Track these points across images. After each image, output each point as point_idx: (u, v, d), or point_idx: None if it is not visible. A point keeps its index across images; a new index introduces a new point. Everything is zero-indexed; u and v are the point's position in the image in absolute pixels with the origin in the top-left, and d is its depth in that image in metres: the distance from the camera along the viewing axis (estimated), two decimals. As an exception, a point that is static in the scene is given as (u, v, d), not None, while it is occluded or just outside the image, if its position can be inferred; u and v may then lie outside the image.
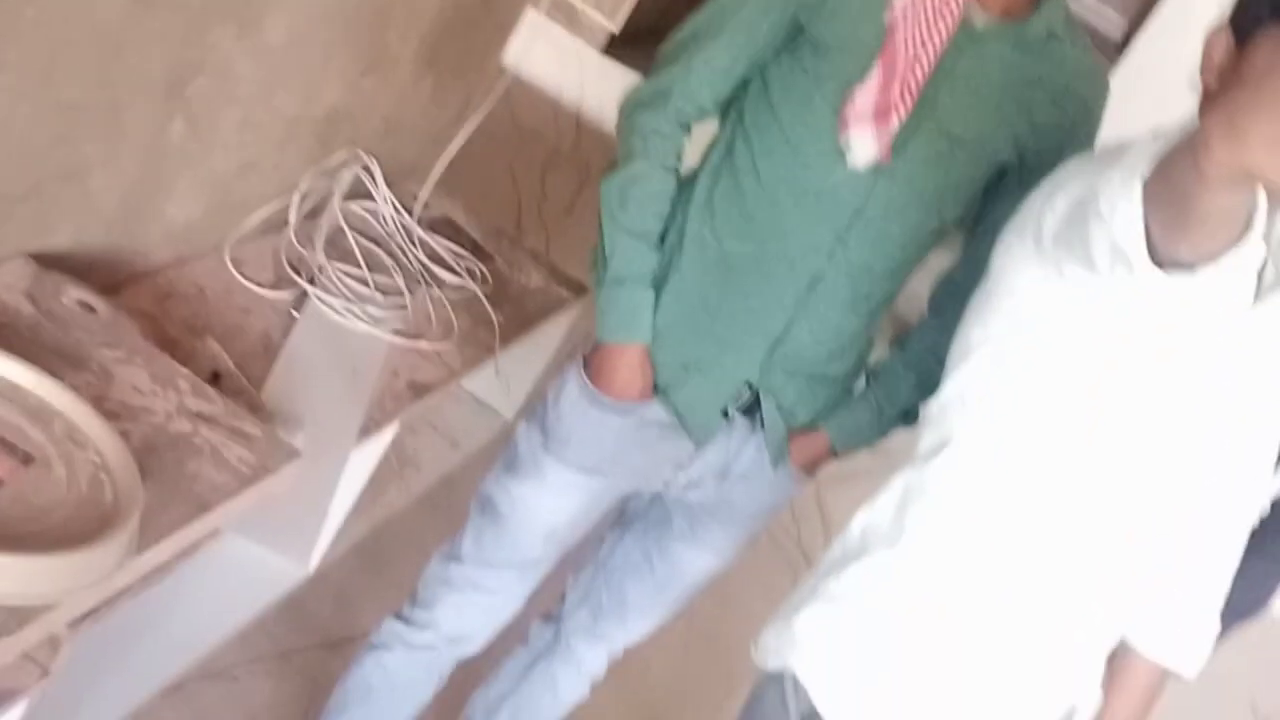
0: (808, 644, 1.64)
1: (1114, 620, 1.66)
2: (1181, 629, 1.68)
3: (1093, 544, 1.58)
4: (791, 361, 1.97)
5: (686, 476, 2.07)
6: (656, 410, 2.01)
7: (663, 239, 1.98)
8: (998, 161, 1.90)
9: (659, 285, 1.98)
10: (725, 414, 2.01)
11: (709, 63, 1.91)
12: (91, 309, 1.84)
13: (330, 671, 2.39)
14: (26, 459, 1.54)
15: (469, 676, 2.28)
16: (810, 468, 2.08)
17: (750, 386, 1.99)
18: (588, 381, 2.01)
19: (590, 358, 2.03)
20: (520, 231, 3.04)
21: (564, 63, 2.87)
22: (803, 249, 1.90)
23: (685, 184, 1.99)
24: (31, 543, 1.45)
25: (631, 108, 1.97)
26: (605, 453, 2.04)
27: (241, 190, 2.23)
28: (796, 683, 1.63)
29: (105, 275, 1.99)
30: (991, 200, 1.93)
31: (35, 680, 1.61)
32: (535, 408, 2.11)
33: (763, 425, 2.02)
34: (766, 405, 2.00)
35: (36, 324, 1.76)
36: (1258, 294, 1.47)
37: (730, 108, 1.97)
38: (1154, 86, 1.51)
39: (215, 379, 1.96)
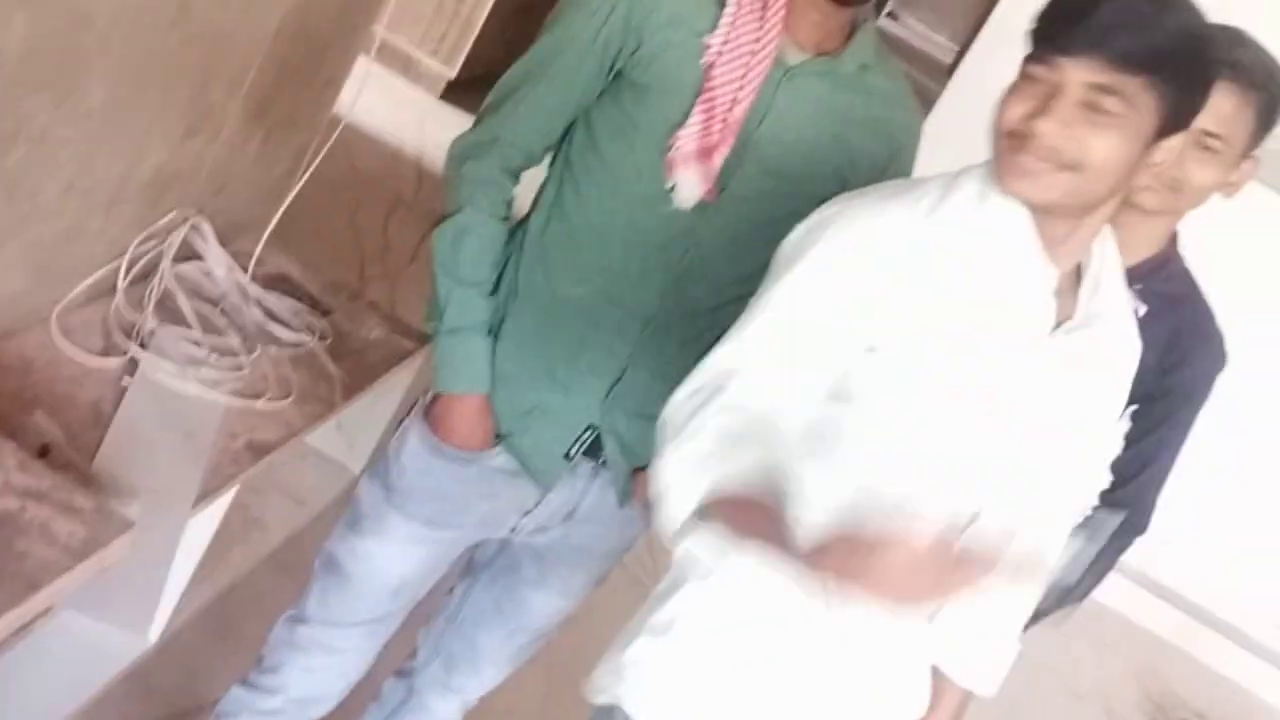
0: (634, 677, 1.67)
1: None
2: (979, 653, 1.76)
3: None
4: (631, 402, 1.99)
5: (534, 521, 2.08)
6: (499, 457, 2.02)
7: (497, 285, 1.99)
8: (823, 196, 1.94)
9: (496, 331, 1.99)
10: (569, 456, 2.02)
11: (533, 109, 1.93)
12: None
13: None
14: None
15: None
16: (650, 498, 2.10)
17: (592, 428, 2.01)
18: (429, 432, 2.02)
19: (430, 408, 2.03)
20: (364, 282, 3.03)
21: (402, 110, 2.89)
22: (634, 290, 1.93)
23: (516, 229, 2.01)
24: None
25: (459, 157, 1.98)
26: (450, 504, 2.05)
27: (67, 258, 2.19)
28: (627, 717, 1.66)
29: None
30: None
31: None
32: (377, 462, 2.11)
33: (605, 466, 2.03)
34: (609, 446, 2.02)
35: None
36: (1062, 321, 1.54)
37: (557, 152, 1.99)
38: (982, 107, 1.59)
39: (44, 452, 1.93)
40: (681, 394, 1.62)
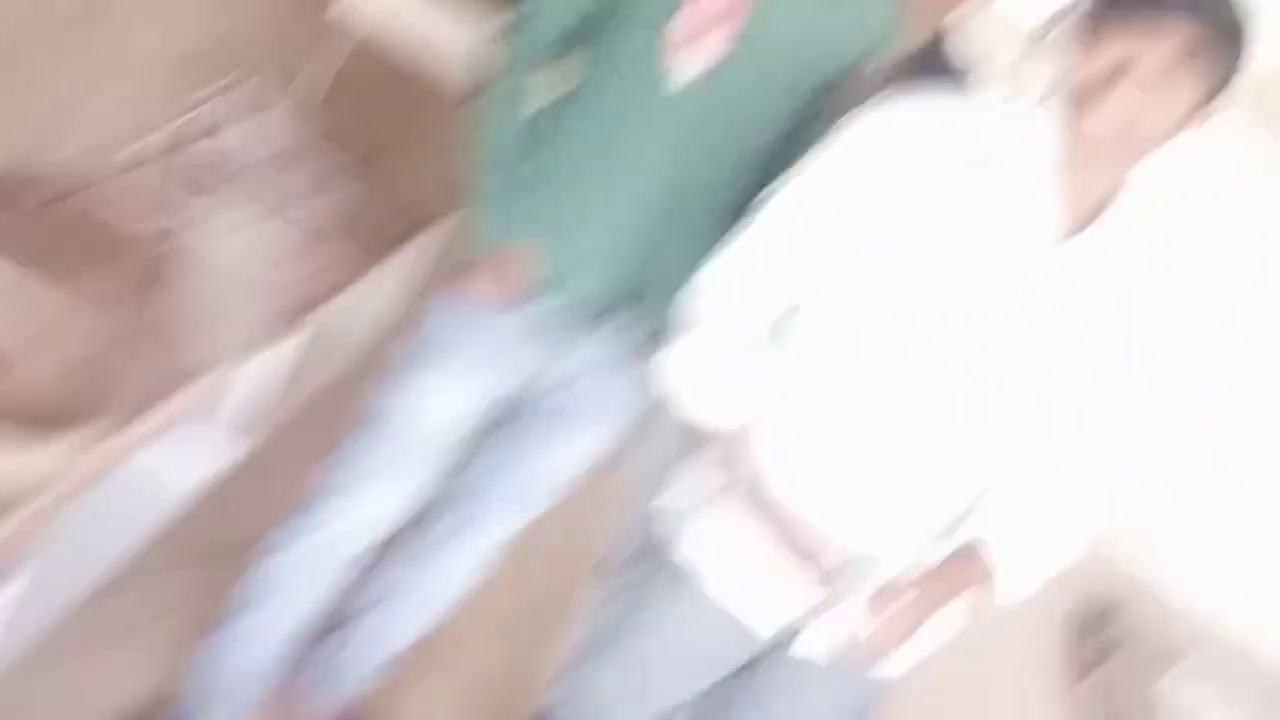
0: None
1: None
2: (1023, 559, 1.88)
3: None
4: (651, 271, 2.16)
5: (553, 376, 2.25)
6: (525, 310, 2.18)
7: (538, 142, 2.14)
8: (817, 81, 2.08)
9: (534, 186, 2.14)
10: (591, 317, 2.18)
11: None
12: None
13: (220, 578, 2.53)
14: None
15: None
16: None
17: (613, 293, 2.18)
18: (463, 286, 2.18)
19: (467, 260, 2.18)
20: (380, 154, 3.14)
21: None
22: (650, 164, 2.09)
23: (555, 106, 2.16)
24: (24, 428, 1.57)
25: (495, 38, 2.12)
26: (475, 354, 2.21)
27: (129, 120, 2.33)
28: None
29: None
30: None
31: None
32: (412, 319, 2.27)
33: (624, 327, 2.20)
34: (627, 309, 2.19)
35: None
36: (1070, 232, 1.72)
37: (578, 37, 2.14)
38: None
39: (119, 301, 2.06)
40: (704, 282, 1.80)
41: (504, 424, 2.39)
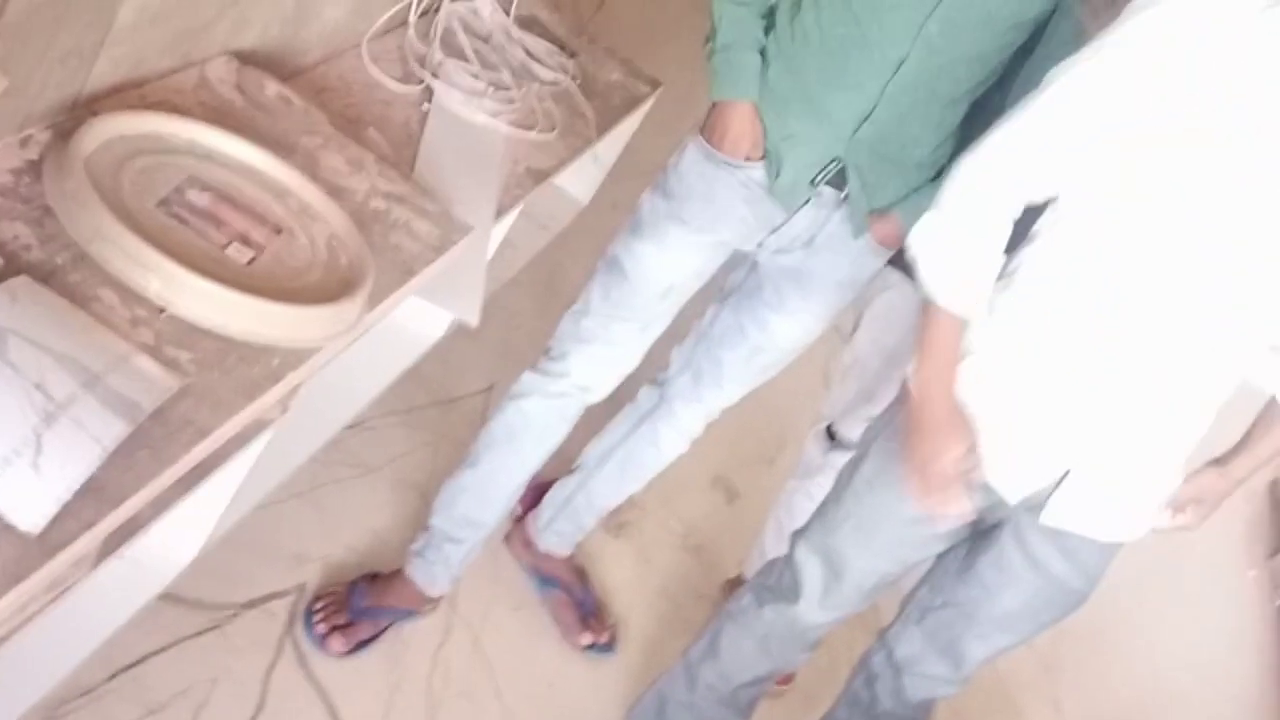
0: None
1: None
2: None
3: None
4: (876, 142, 2.24)
5: (778, 240, 2.36)
6: (757, 171, 2.29)
7: (770, 18, 2.23)
8: None
9: (766, 58, 2.24)
10: (814, 183, 2.28)
11: None
12: (289, 101, 2.09)
13: (450, 423, 2.71)
14: (276, 229, 1.81)
15: (581, 427, 2.60)
16: (888, 242, 2.37)
17: (838, 160, 2.27)
18: (704, 141, 2.30)
19: (707, 118, 2.31)
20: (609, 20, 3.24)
21: None
22: (890, 32, 2.15)
23: None
24: (297, 297, 1.73)
25: None
26: (715, 208, 2.33)
27: (376, -8, 2.45)
28: None
29: (274, 71, 2.22)
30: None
31: (277, 416, 1.90)
32: (657, 176, 2.40)
33: (847, 199, 2.30)
34: (851, 179, 2.28)
35: (250, 114, 2.00)
36: None
37: None
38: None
39: (389, 161, 2.22)
40: (964, 165, 1.86)
41: (734, 292, 2.52)
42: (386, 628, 2.57)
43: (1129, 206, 1.80)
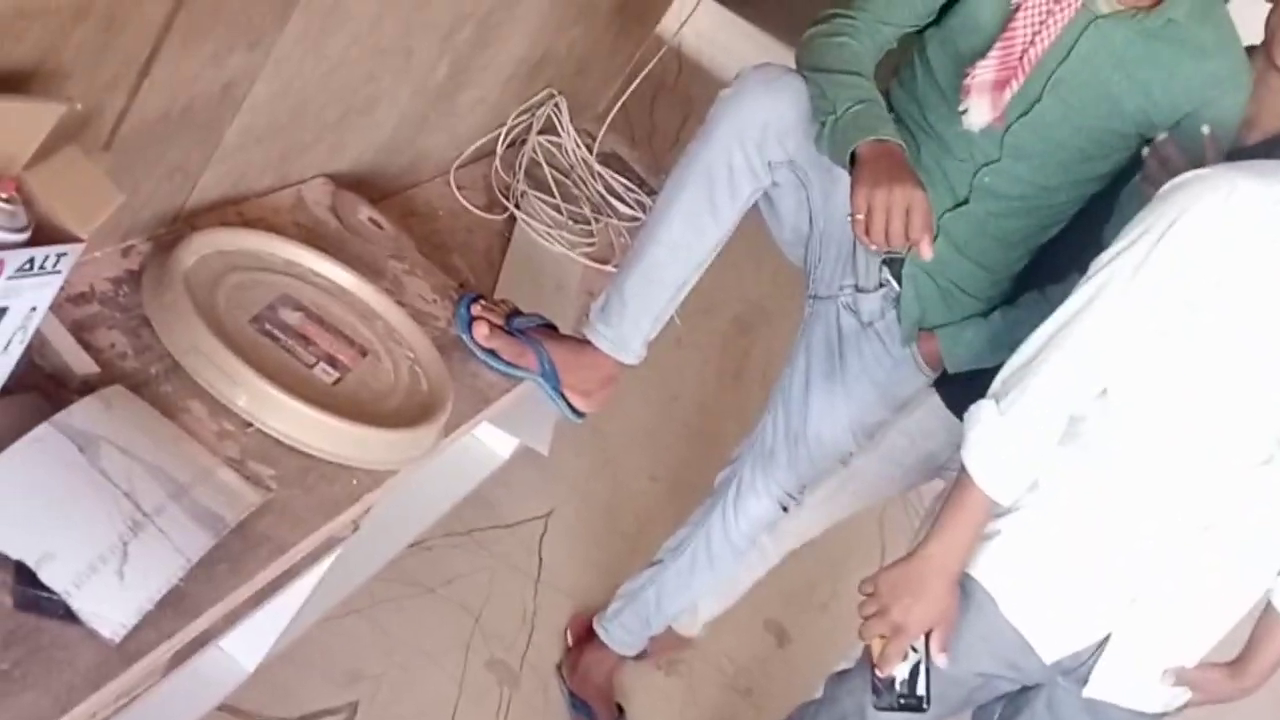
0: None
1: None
2: None
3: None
4: (935, 264, 2.17)
5: (850, 298, 2.35)
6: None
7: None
8: (1119, 135, 2.15)
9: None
10: (885, 266, 2.28)
11: (886, 5, 2.16)
12: (379, 225, 2.14)
13: (507, 547, 2.75)
14: (362, 351, 1.85)
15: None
16: (930, 359, 2.35)
17: (903, 260, 2.26)
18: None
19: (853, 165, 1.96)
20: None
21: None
22: (951, 172, 2.19)
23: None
24: (378, 420, 1.75)
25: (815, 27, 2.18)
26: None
27: (469, 123, 2.51)
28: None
29: (365, 194, 2.28)
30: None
31: (349, 534, 1.92)
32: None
33: (899, 300, 2.30)
34: (906, 286, 2.28)
35: (342, 236, 2.05)
36: None
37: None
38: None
39: (464, 287, 2.26)
40: (1012, 364, 1.87)
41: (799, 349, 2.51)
42: None
43: (1173, 395, 1.82)
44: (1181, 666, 1.97)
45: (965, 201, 2.20)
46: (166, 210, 1.82)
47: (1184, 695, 2.02)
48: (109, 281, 1.70)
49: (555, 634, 2.85)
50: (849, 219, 1.89)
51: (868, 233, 1.85)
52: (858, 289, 2.34)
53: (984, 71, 2.09)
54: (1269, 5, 2.10)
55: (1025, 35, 2.07)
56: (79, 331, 1.58)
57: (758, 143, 2.06)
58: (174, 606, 1.39)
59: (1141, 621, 1.93)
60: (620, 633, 2.75)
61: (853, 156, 1.90)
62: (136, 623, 1.33)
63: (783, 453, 2.51)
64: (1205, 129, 2.05)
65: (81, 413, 1.44)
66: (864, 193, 1.84)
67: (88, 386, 1.50)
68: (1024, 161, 2.15)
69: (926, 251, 1.85)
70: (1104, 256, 1.80)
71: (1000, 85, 2.09)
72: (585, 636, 2.83)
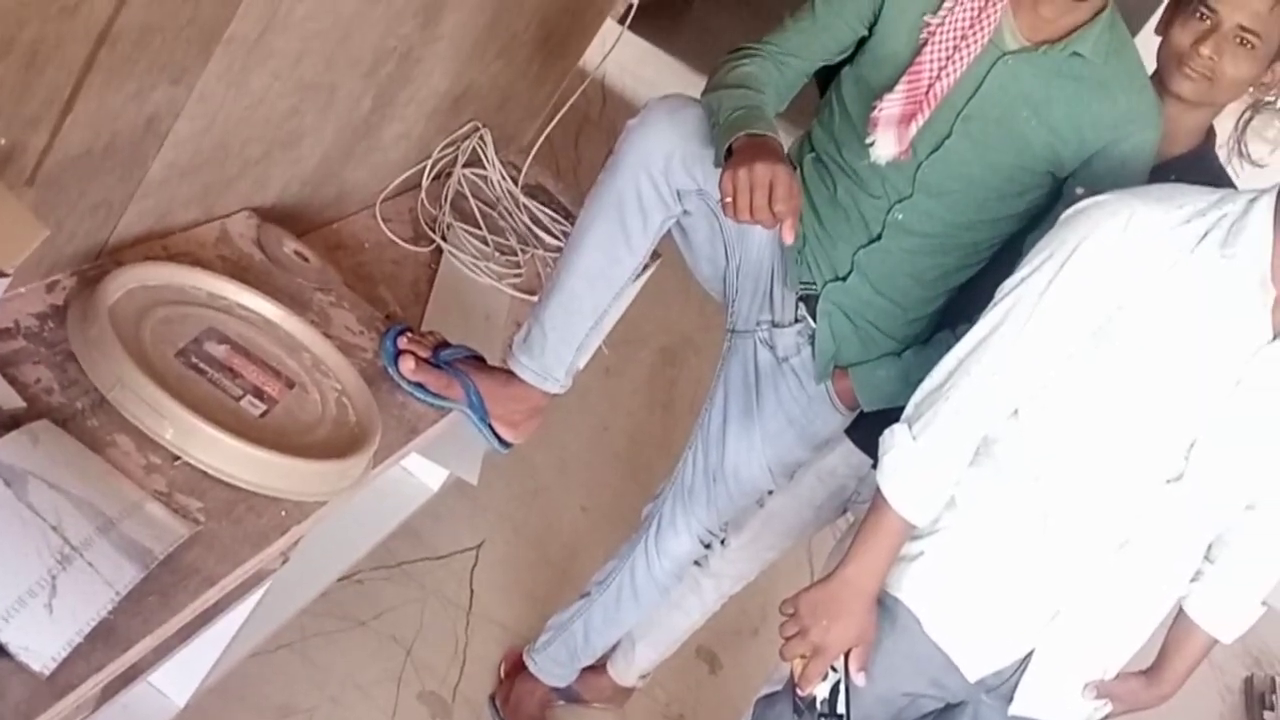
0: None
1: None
2: (1231, 607, 2.02)
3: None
4: (849, 301, 2.26)
5: (767, 333, 2.36)
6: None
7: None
8: (1027, 171, 2.15)
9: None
10: (801, 302, 2.29)
11: (802, 36, 2.19)
12: (305, 258, 2.15)
13: (438, 579, 2.75)
14: (289, 383, 1.86)
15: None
16: (844, 398, 2.35)
17: (818, 298, 2.28)
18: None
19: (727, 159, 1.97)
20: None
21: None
22: (851, 220, 2.22)
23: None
24: (306, 451, 1.76)
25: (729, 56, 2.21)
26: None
27: (394, 157, 2.53)
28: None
29: (290, 227, 2.29)
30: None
31: (278, 566, 1.92)
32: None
33: (814, 336, 2.30)
34: (821, 323, 2.29)
35: (268, 269, 2.06)
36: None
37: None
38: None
39: (390, 319, 2.27)
40: (924, 388, 1.91)
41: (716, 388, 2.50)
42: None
43: (1082, 416, 1.86)
44: (1101, 679, 2.02)
45: (879, 238, 2.21)
46: (91, 245, 1.83)
47: (1105, 707, 2.06)
48: (34, 317, 1.70)
49: (487, 665, 2.86)
50: (719, 204, 1.92)
51: (735, 212, 1.87)
52: (774, 324, 2.35)
53: (890, 105, 2.11)
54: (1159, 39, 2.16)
55: (932, 69, 2.10)
56: (4, 366, 1.58)
57: (664, 171, 2.07)
58: (104, 639, 1.39)
59: (1063, 637, 1.97)
60: (549, 664, 2.76)
61: (729, 153, 1.92)
62: (66, 655, 1.33)
63: (702, 490, 2.50)
64: (1079, 190, 2.05)
65: (8, 448, 1.44)
66: (729, 175, 1.87)
67: (14, 421, 1.50)
68: (936, 199, 2.17)
69: (788, 234, 1.87)
70: (1009, 282, 1.85)
71: (906, 119, 2.11)
72: (517, 667, 2.84)
